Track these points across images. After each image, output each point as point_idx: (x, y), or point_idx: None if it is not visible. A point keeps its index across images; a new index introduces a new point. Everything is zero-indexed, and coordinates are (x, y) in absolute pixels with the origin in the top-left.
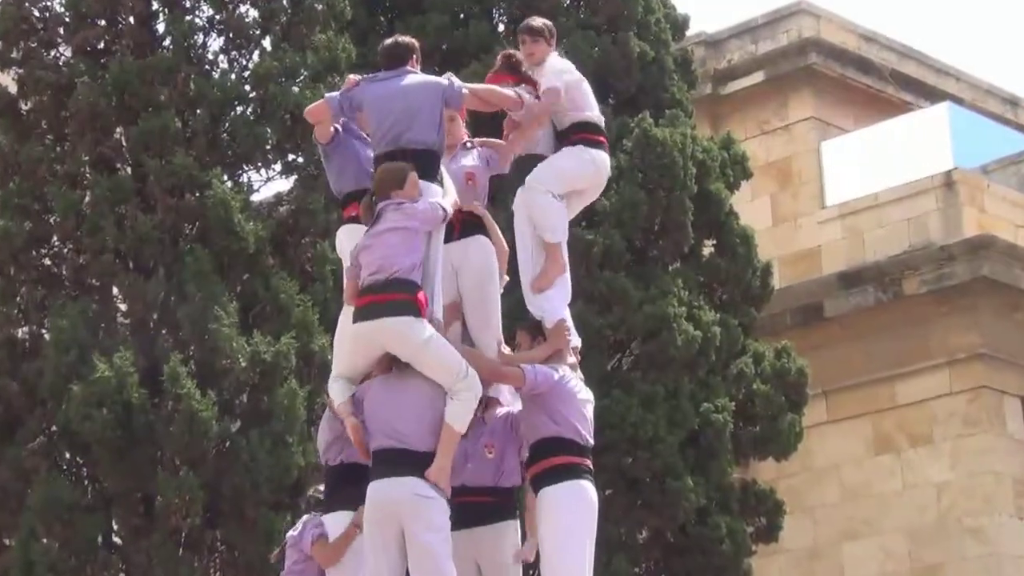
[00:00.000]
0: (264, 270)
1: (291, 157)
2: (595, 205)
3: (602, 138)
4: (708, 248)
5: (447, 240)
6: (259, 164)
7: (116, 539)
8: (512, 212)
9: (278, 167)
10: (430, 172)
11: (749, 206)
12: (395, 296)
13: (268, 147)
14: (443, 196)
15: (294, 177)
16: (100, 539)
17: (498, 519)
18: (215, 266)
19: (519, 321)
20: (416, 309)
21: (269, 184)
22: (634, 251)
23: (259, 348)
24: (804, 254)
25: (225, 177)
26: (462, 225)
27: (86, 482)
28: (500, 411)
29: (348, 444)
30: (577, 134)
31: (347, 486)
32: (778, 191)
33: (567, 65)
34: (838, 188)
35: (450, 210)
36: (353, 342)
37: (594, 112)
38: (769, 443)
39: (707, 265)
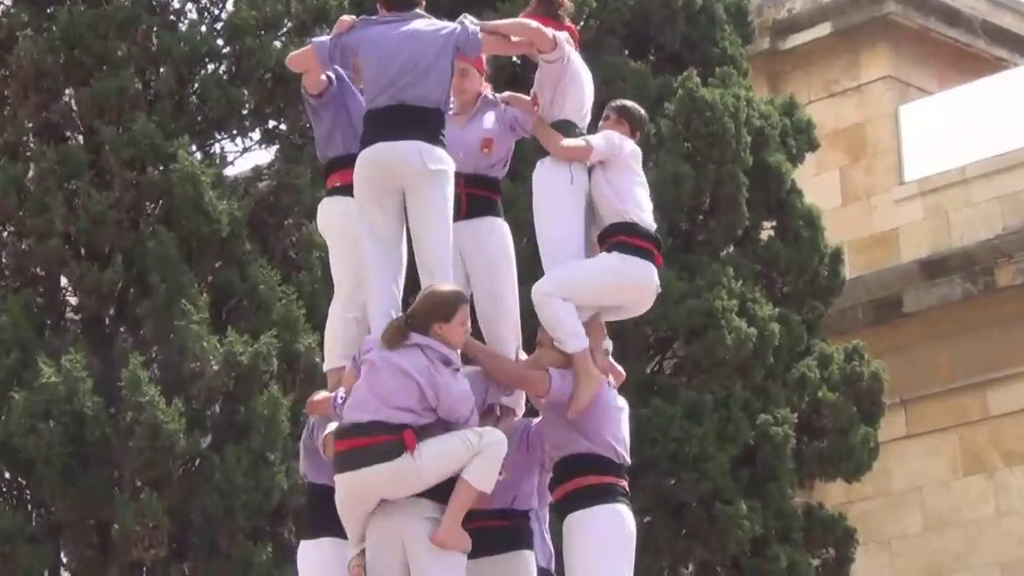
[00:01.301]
0: (240, 257)
1: (271, 124)
2: None
3: (649, 246)
4: (766, 231)
5: (452, 219)
6: (234, 132)
7: (65, 574)
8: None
9: (256, 136)
10: (435, 135)
11: (814, 182)
12: (379, 438)
13: (244, 112)
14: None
15: (275, 147)
16: (46, 575)
17: (510, 547)
18: (182, 252)
19: (536, 317)
20: (402, 446)
21: (246, 156)
22: (677, 234)
23: (234, 349)
24: (879, 238)
25: (194, 148)
26: (471, 202)
27: (29, 507)
28: (516, 423)
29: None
30: (615, 236)
31: (331, 510)
32: (849, 164)
33: (631, 144)
34: (919, 161)
35: (471, 410)
36: (339, 502)
37: (643, 213)
38: (838, 461)
39: (765, 251)
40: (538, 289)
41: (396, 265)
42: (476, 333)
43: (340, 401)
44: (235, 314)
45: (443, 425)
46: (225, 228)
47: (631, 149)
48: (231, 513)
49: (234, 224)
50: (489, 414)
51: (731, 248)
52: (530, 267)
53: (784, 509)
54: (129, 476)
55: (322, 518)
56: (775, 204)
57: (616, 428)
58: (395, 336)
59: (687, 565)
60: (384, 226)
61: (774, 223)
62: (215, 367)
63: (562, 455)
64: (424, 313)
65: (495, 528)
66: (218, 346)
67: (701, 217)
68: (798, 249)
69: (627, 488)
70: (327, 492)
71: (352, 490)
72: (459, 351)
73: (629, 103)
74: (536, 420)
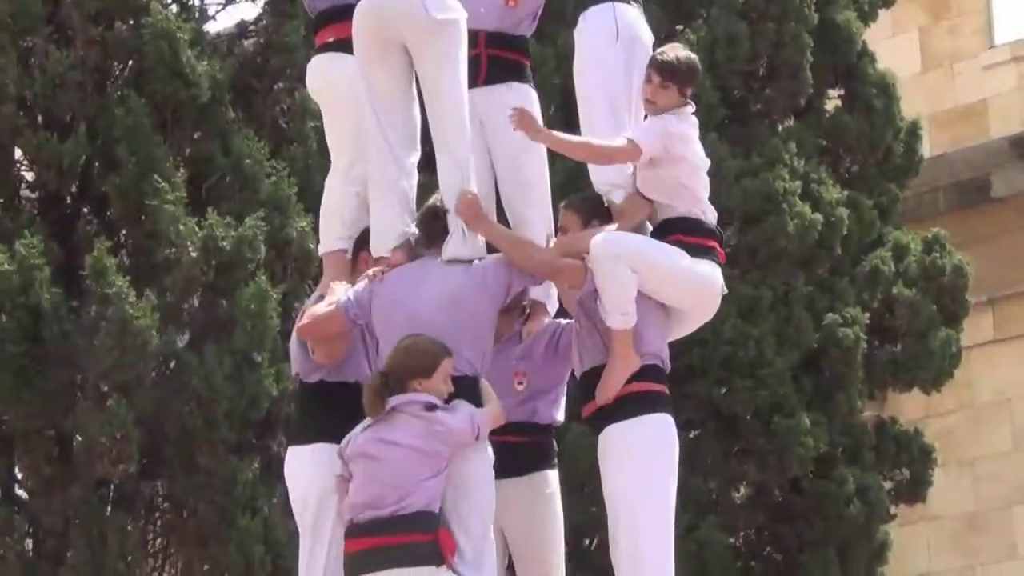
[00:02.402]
0: (222, 127)
1: None
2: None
3: (714, 243)
4: (832, 101)
5: (471, 84)
6: None
7: (21, 492)
8: (568, 49)
9: None
10: None
11: (890, 44)
12: (409, 538)
13: None
14: (483, 394)
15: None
16: (0, 492)
17: (529, 468)
18: (155, 121)
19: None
20: (439, 555)
21: (228, 9)
22: (731, 104)
23: (215, 232)
24: (964, 111)
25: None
26: (492, 64)
27: None
28: (546, 325)
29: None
30: (674, 234)
31: (328, 412)
32: (930, 24)
33: (686, 130)
34: (1012, 21)
35: (487, 423)
36: None
37: (703, 204)
38: (915, 369)
39: (831, 124)
40: (604, 248)
41: (406, 134)
42: (500, 217)
43: (352, 308)
44: (216, 193)
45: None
46: (205, 93)
47: (682, 131)
48: (211, 423)
49: (215, 88)
50: (515, 311)
51: (792, 120)
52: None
53: (852, 424)
54: (93, 380)
55: (316, 421)
56: (843, 70)
57: (662, 329)
58: (374, 402)
59: (739, 488)
60: (388, 88)
61: (842, 92)
62: (193, 254)
63: (594, 363)
64: (400, 372)
65: (511, 445)
66: (196, 230)
67: (758, 84)
68: (869, 122)
69: (669, 395)
70: (321, 392)
71: None
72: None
73: (672, 55)
74: (567, 322)
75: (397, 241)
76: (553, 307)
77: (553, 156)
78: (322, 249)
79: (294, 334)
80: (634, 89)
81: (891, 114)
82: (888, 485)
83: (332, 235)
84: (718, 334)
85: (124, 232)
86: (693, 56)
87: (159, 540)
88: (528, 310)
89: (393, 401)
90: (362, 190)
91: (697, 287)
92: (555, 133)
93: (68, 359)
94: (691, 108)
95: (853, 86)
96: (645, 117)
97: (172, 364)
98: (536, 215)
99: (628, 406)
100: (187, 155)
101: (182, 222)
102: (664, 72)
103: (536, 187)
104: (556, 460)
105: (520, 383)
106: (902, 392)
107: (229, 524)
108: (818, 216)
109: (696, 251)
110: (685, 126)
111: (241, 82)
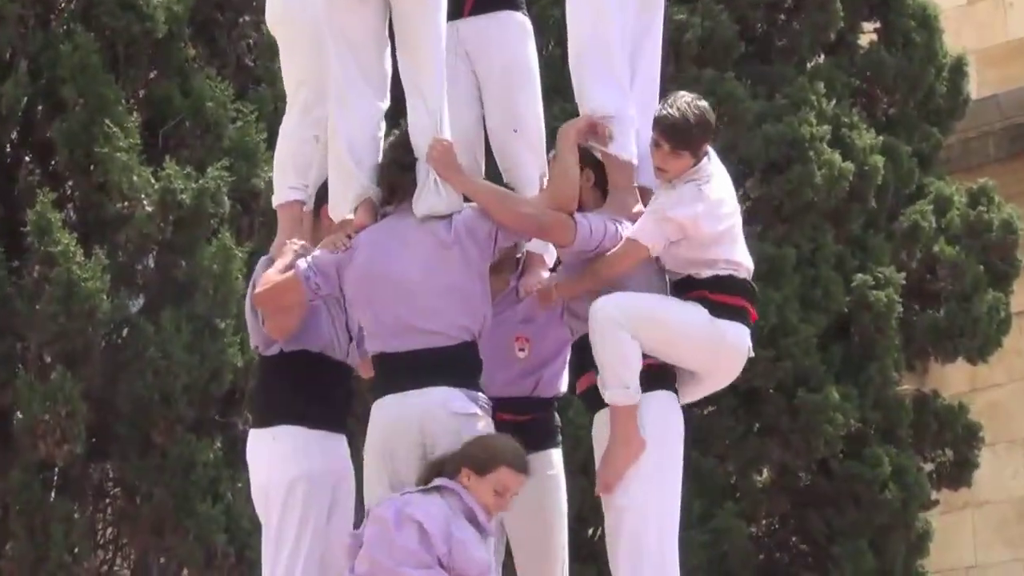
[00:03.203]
0: (181, 65)
1: None
2: None
3: (743, 302)
4: (867, 35)
5: (454, 15)
6: None
7: None
8: None
9: None
10: None
11: None
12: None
13: None
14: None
15: None
16: None
17: (532, 447)
18: (106, 59)
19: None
20: None
21: None
22: (752, 39)
23: (173, 184)
24: (1018, 47)
25: None
26: None
27: None
28: (546, 280)
29: (302, 322)
30: (697, 291)
31: (290, 389)
32: None
33: (720, 190)
34: None
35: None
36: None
37: (734, 255)
38: (958, 336)
39: (865, 61)
40: (602, 309)
41: (377, 80)
42: (489, 159)
43: (313, 277)
44: (174, 139)
45: None
46: (161, 28)
47: (691, 213)
48: (168, 398)
49: (172, 22)
50: (507, 265)
51: (821, 57)
52: (557, 78)
53: (887, 398)
54: (36, 349)
55: (277, 400)
56: (879, 0)
57: (662, 292)
58: (425, 475)
59: (760, 471)
60: (359, 30)
61: (877, 24)
62: (148, 208)
63: (583, 331)
64: (458, 457)
65: (508, 424)
66: (152, 181)
67: (782, 16)
68: (908, 59)
69: (674, 373)
70: (282, 366)
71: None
72: (492, 515)
73: (679, 114)
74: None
75: (357, 201)
76: (551, 258)
77: (551, 98)
78: (276, 200)
79: (248, 302)
80: (628, 27)
81: (933, 50)
82: (928, 467)
83: (286, 184)
84: None
85: (70, 183)
86: (703, 105)
87: (109, 529)
88: (522, 263)
89: (440, 481)
90: (322, 134)
91: (715, 348)
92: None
93: (7, 325)
94: (707, 159)
95: (890, 18)
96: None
97: (124, 332)
98: (529, 156)
99: None
100: (141, 97)
101: (136, 172)
102: (675, 138)
103: (529, 125)
104: (559, 438)
105: (522, 349)
106: (944, 363)
107: (188, 511)
108: (850, 165)
109: (721, 310)
110: (699, 205)
111: (202, 15)
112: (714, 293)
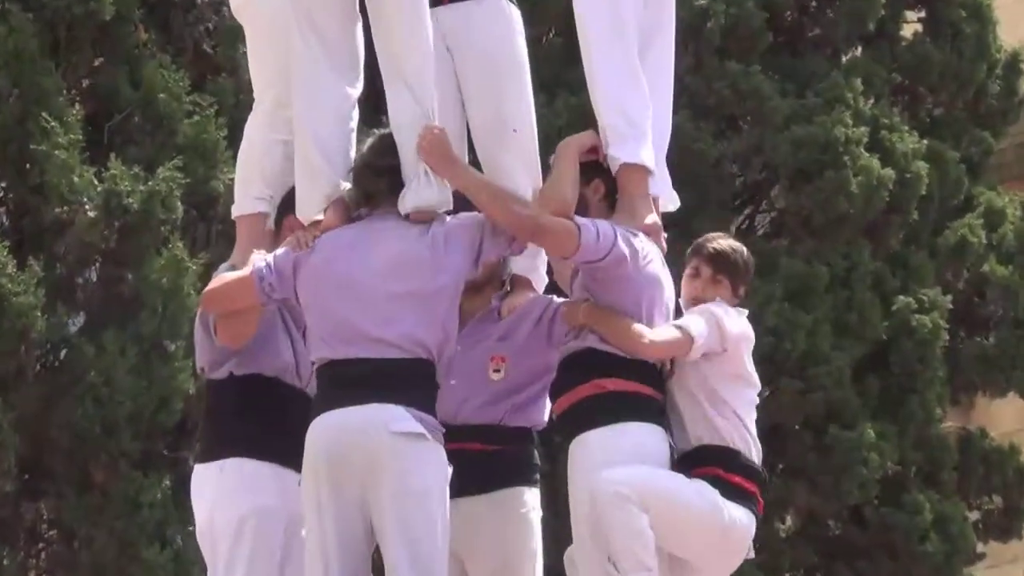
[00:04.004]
0: (130, 52)
1: None
2: None
3: (753, 487)
4: (910, 26)
5: (433, 3)
6: None
7: None
8: None
9: None
10: None
11: None
12: None
13: None
14: None
15: None
16: None
17: (500, 483)
18: (44, 43)
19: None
20: None
21: None
22: (781, 28)
23: (119, 186)
24: None
25: None
26: None
27: None
28: (528, 300)
29: (247, 348)
30: (708, 467)
31: (241, 416)
32: None
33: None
34: None
35: None
36: None
37: (749, 435)
38: (1011, 368)
39: (908, 55)
40: (608, 488)
41: (347, 64)
42: (474, 163)
43: (268, 276)
44: (121, 136)
45: None
46: (108, 9)
47: (740, 332)
48: (111, 429)
49: (121, 3)
50: (491, 285)
51: (858, 50)
52: (559, 70)
53: (929, 437)
54: None
55: (226, 430)
56: None
57: (663, 314)
58: None
59: (784, 517)
60: (326, 8)
61: (922, 14)
62: (91, 214)
63: (575, 347)
64: None
65: (474, 455)
66: (95, 182)
67: (815, 3)
68: (957, 53)
69: (664, 408)
70: (232, 390)
71: None
72: None
73: (724, 244)
74: (561, 300)
75: (327, 201)
76: (541, 284)
77: (552, 92)
78: (236, 211)
79: (198, 316)
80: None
81: (985, 43)
82: (974, 516)
83: (249, 194)
84: (759, 321)
85: (2, 185)
86: (746, 249)
87: None
88: (508, 285)
89: None
90: (290, 137)
91: (723, 534)
92: (608, 313)
93: None
94: (745, 312)
95: (937, 7)
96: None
97: (61, 354)
98: (517, 163)
99: (606, 409)
100: (84, 87)
101: (77, 173)
102: (717, 262)
103: (518, 127)
104: (537, 476)
105: (496, 370)
106: (993, 397)
107: (132, 557)
108: (889, 172)
109: (732, 493)
110: (739, 321)
111: None
112: (729, 472)
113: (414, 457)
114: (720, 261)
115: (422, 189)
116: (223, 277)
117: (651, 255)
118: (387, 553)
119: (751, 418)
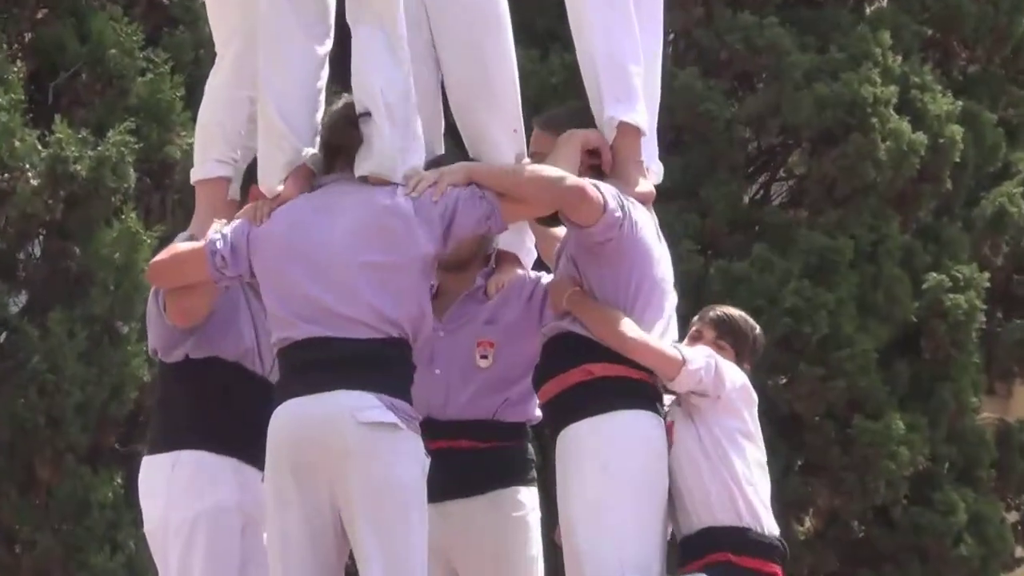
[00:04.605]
0: (76, 3)
1: None
2: None
3: (772, 568)
4: None
5: None
6: None
7: None
8: None
9: None
10: None
11: None
12: None
13: None
14: None
15: None
16: None
17: (493, 483)
18: None
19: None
20: None
21: None
22: None
23: (65, 151)
24: None
25: None
26: None
27: None
28: (516, 278)
29: (206, 329)
30: (717, 552)
31: (197, 405)
32: None
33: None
34: None
35: None
36: None
37: (760, 505)
38: None
39: (940, 7)
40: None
41: (315, 18)
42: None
43: (221, 250)
44: (68, 96)
45: None
46: None
47: (741, 387)
48: (57, 421)
49: None
50: (473, 262)
51: (885, 1)
52: (545, 23)
53: (963, 430)
54: None
55: (179, 420)
56: None
57: (663, 300)
58: None
59: (803, 519)
60: None
61: None
62: (33, 182)
63: (558, 329)
64: None
65: (465, 453)
66: (38, 147)
67: None
68: (993, 4)
69: (661, 392)
70: (188, 376)
71: None
72: None
73: (734, 311)
74: (548, 277)
75: (290, 168)
76: (529, 259)
77: (545, 48)
78: (195, 175)
79: (152, 292)
80: None
81: None
82: (1013, 517)
83: (210, 156)
84: (776, 301)
85: None
86: (757, 326)
87: None
88: (493, 261)
89: None
90: (253, 94)
91: None
92: (594, 304)
93: None
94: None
95: None
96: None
97: (2, 337)
98: (499, 128)
99: (598, 398)
100: (27, 42)
101: (19, 136)
102: (721, 327)
103: (500, 87)
104: (534, 475)
105: (484, 356)
106: None
107: (80, 563)
108: (921, 136)
109: None
110: (740, 378)
111: None
112: (740, 554)
113: (386, 449)
114: (725, 326)
115: (382, 146)
116: (174, 247)
117: (644, 223)
118: (360, 553)
119: (763, 484)
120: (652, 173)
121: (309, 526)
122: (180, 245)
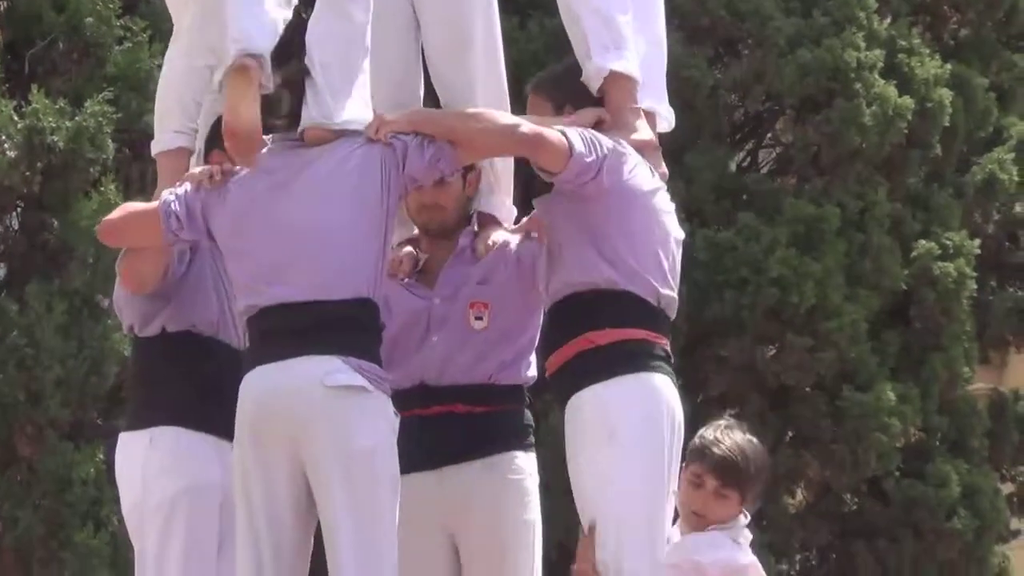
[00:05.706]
0: None
1: None
2: None
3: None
4: None
5: None
6: None
7: None
8: None
9: None
10: None
11: None
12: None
13: None
14: None
15: None
16: None
17: (489, 448)
18: None
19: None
20: None
21: None
22: None
23: (42, 122)
24: None
25: None
26: None
27: None
28: (499, 238)
29: (181, 298)
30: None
31: (173, 379)
32: None
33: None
34: None
35: None
36: None
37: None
38: None
39: None
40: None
41: None
42: (431, 99)
43: (179, 214)
44: (45, 65)
45: None
46: None
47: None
48: (36, 396)
49: None
50: (455, 227)
51: None
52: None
53: (955, 400)
54: None
55: (155, 396)
56: None
57: (660, 251)
58: None
59: (793, 492)
60: None
61: None
62: (10, 153)
63: (566, 291)
64: None
65: (461, 416)
66: (15, 118)
67: None
68: None
69: (668, 352)
70: (162, 350)
71: None
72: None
73: (735, 445)
74: (533, 242)
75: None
76: (509, 219)
77: (525, 14)
78: (155, 147)
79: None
80: None
81: None
82: (1007, 488)
83: (168, 127)
84: (762, 271)
85: None
86: (756, 442)
87: None
88: (474, 224)
89: None
90: (215, 62)
91: None
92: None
93: None
94: (745, 521)
95: None
96: None
97: None
98: (479, 91)
99: (608, 362)
100: (2, 11)
101: None
102: (726, 474)
103: (481, 47)
104: (532, 440)
105: (479, 317)
106: None
107: (61, 540)
108: (908, 101)
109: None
110: (738, 555)
111: None
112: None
113: (354, 413)
114: (730, 472)
115: (324, 99)
116: (127, 206)
117: (634, 168)
118: (327, 521)
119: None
120: (661, 118)
121: (277, 498)
122: (133, 205)
